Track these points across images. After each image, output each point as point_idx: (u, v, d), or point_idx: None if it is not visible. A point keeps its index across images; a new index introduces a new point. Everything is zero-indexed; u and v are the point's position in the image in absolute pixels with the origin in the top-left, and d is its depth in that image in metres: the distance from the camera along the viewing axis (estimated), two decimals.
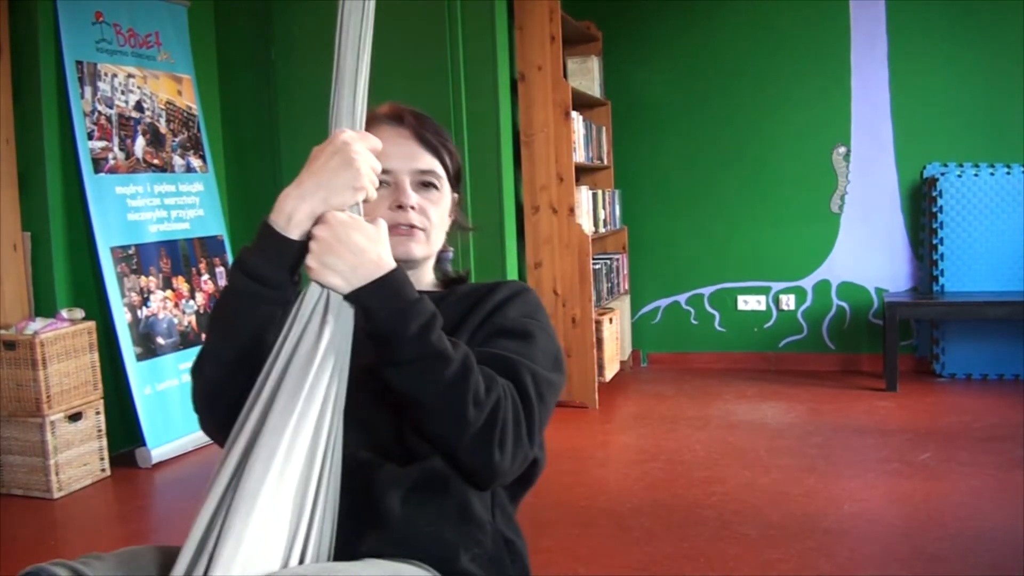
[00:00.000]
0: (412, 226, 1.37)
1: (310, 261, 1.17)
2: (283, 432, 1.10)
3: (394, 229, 1.34)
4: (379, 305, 1.16)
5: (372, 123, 1.39)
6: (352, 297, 1.17)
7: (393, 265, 1.18)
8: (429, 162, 1.41)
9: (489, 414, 1.16)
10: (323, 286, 1.17)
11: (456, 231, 1.50)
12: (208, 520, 1.09)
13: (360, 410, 1.23)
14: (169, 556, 1.15)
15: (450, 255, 1.53)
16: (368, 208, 1.28)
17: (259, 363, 1.17)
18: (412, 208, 1.37)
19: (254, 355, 1.20)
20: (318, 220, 1.18)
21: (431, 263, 1.48)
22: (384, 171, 1.30)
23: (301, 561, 1.11)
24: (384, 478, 1.23)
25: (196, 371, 1.29)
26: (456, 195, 1.49)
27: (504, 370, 1.23)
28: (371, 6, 1.27)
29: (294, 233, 1.19)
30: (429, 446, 1.23)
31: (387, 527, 1.22)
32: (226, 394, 1.24)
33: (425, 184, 1.40)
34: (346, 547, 1.20)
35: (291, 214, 1.19)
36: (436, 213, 1.41)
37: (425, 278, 1.46)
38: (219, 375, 1.25)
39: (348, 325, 1.18)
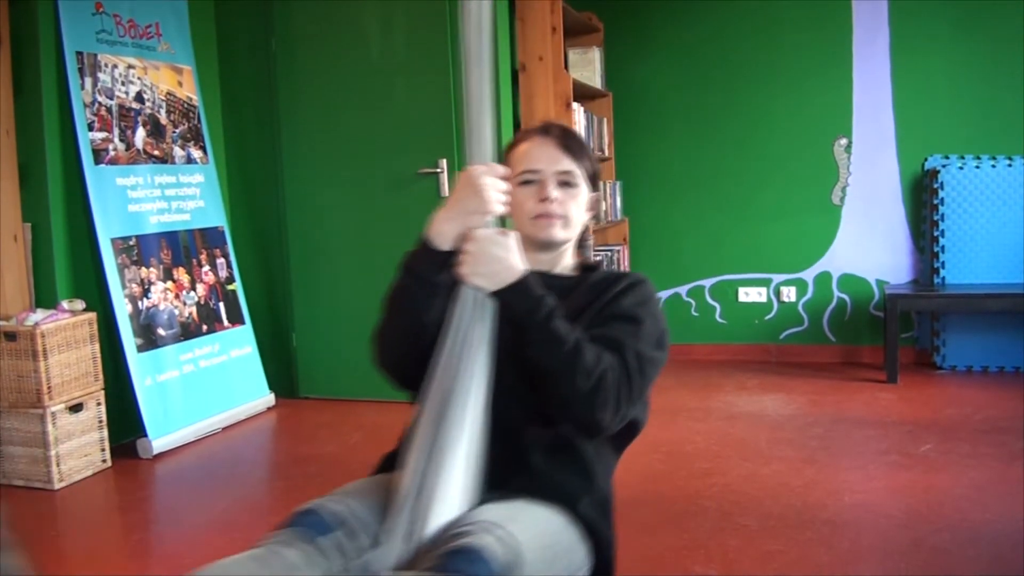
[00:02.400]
0: (552, 214, 1.75)
1: (463, 270, 1.56)
2: (467, 401, 1.50)
3: (539, 218, 1.75)
4: (516, 302, 1.56)
5: (526, 135, 1.83)
6: (495, 295, 1.56)
7: (524, 270, 1.57)
8: (568, 164, 1.78)
9: (596, 382, 1.54)
10: (472, 287, 1.55)
11: (594, 223, 1.82)
12: (422, 465, 1.48)
13: (511, 381, 1.61)
14: (381, 489, 1.59)
15: (591, 240, 1.82)
16: (519, 200, 1.74)
17: (417, 334, 1.61)
18: (553, 200, 1.75)
19: (412, 330, 1.63)
20: (466, 237, 1.56)
21: (571, 247, 1.85)
22: (533, 171, 1.77)
23: (469, 499, 1.50)
24: (529, 437, 1.63)
25: (376, 339, 1.71)
26: (595, 194, 1.86)
27: (613, 348, 1.60)
28: (487, 33, 1.58)
29: (444, 245, 1.59)
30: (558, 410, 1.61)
31: (531, 474, 1.61)
32: (393, 353, 1.70)
33: (565, 183, 1.78)
34: (499, 486, 1.57)
35: (441, 232, 1.59)
36: (574, 206, 1.79)
37: (565, 261, 1.84)
38: (393, 341, 1.69)
39: (493, 317, 1.56)
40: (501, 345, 1.57)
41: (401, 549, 1.44)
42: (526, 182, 1.76)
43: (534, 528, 1.49)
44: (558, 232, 1.77)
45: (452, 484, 1.47)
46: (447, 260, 1.58)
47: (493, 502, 1.53)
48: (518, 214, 1.77)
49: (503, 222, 1.66)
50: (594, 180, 1.84)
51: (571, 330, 1.57)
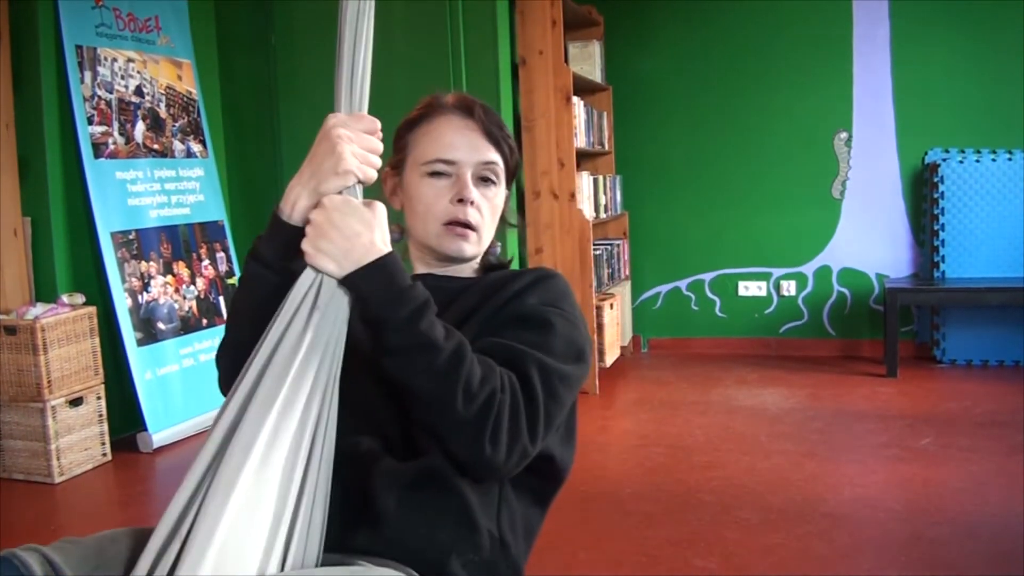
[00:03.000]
0: (468, 225, 1.38)
1: (304, 245, 1.17)
2: (264, 420, 1.08)
3: (451, 226, 1.37)
4: (371, 289, 1.15)
5: (438, 111, 1.42)
6: (345, 282, 1.16)
7: (387, 250, 1.18)
8: (493, 155, 1.41)
9: (481, 407, 1.13)
10: (317, 271, 1.17)
11: (500, 226, 1.48)
12: (180, 511, 1.07)
13: (365, 398, 1.24)
14: (146, 540, 1.11)
15: (497, 249, 1.51)
16: (430, 199, 1.37)
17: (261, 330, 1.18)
18: (472, 203, 1.38)
19: (259, 331, 1.19)
20: (316, 205, 1.19)
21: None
22: (449, 162, 1.37)
23: (283, 561, 1.07)
24: (382, 473, 1.21)
25: (217, 358, 1.35)
26: (507, 193, 1.48)
27: (509, 361, 1.20)
28: None
29: (296, 220, 1.21)
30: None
31: (380, 525, 1.20)
32: (235, 351, 1.27)
33: (485, 178, 1.41)
34: (338, 541, 1.18)
35: (294, 202, 1.21)
36: (490, 211, 1.41)
37: (468, 265, 1.46)
38: (236, 358, 1.22)
39: (343, 311, 1.17)
40: (349, 346, 1.19)
41: None
42: (436, 173, 1.39)
43: None
44: (469, 248, 1.39)
45: (232, 534, 1.03)
46: (298, 233, 1.21)
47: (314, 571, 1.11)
48: (420, 213, 1.40)
49: (369, 193, 1.27)
50: (512, 175, 1.47)
51: (448, 334, 1.16)
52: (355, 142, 1.21)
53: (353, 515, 1.19)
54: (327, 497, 1.14)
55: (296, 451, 1.09)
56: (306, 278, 1.17)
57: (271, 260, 1.24)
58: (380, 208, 1.20)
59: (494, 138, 1.41)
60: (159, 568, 1.03)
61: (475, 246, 1.40)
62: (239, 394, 1.12)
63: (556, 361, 1.23)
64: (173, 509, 1.07)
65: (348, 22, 1.28)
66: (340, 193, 1.20)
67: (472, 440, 1.13)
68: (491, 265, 1.49)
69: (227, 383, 1.31)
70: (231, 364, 1.27)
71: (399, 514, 1.19)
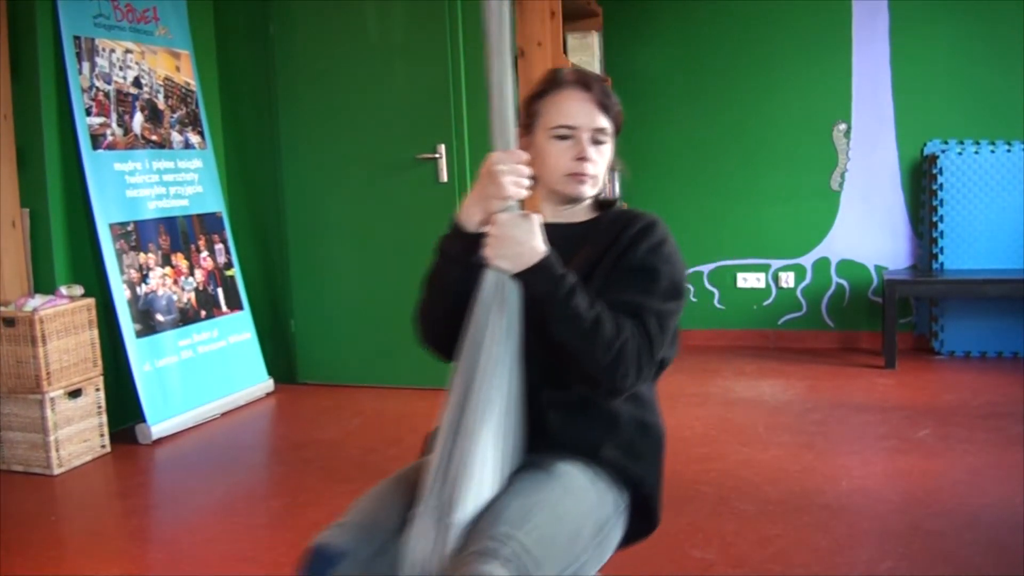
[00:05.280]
0: (586, 174, 1.77)
1: (487, 252, 1.61)
2: (492, 380, 1.54)
3: (573, 176, 1.78)
4: (537, 282, 1.60)
5: (560, 86, 1.81)
6: (518, 276, 1.60)
7: (544, 251, 1.61)
8: (604, 122, 1.80)
9: (616, 354, 1.59)
10: (499, 270, 1.60)
11: (612, 171, 1.89)
12: (441, 456, 1.51)
13: (531, 348, 1.64)
14: (411, 485, 1.60)
15: (607, 189, 1.94)
16: (551, 153, 1.77)
17: (455, 312, 1.66)
18: (589, 160, 1.77)
19: (449, 308, 1.69)
20: (490, 221, 1.62)
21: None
22: (570, 127, 1.77)
23: (508, 470, 1.57)
24: (546, 399, 1.70)
25: (416, 321, 1.80)
26: (614, 144, 1.87)
27: (631, 312, 1.64)
28: (507, 28, 1.64)
29: (472, 228, 1.66)
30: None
31: (548, 435, 1.69)
32: (434, 330, 1.78)
33: (597, 141, 1.79)
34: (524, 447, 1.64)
35: (468, 215, 1.66)
36: (603, 163, 1.82)
37: (585, 206, 1.86)
38: (434, 323, 1.77)
39: (518, 296, 1.61)
40: (523, 317, 1.63)
41: (432, 535, 1.47)
42: (561, 136, 1.78)
43: (550, 522, 1.51)
44: (588, 191, 1.80)
45: (480, 464, 1.50)
46: (476, 241, 1.64)
47: (520, 476, 1.60)
48: (549, 167, 1.78)
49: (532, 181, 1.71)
50: (618, 133, 1.87)
51: (590, 305, 1.61)
52: (511, 173, 1.61)
53: (531, 429, 1.66)
54: (525, 425, 1.64)
55: (510, 396, 1.57)
56: (491, 276, 1.61)
57: (457, 257, 1.68)
58: (536, 218, 1.63)
59: (605, 107, 1.80)
60: (445, 488, 1.49)
61: (592, 188, 1.81)
62: (468, 360, 1.56)
63: (662, 302, 1.68)
64: (442, 447, 1.52)
65: (495, 73, 1.64)
66: (505, 210, 1.63)
67: (610, 377, 1.60)
68: (602, 203, 1.90)
69: (428, 337, 1.80)
70: (430, 327, 1.78)
71: (560, 426, 1.71)
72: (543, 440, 1.68)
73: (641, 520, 1.81)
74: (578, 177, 1.78)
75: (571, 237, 1.78)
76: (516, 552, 1.40)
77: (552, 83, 1.83)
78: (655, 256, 1.72)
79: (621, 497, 1.74)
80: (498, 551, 1.39)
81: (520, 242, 1.60)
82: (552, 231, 1.72)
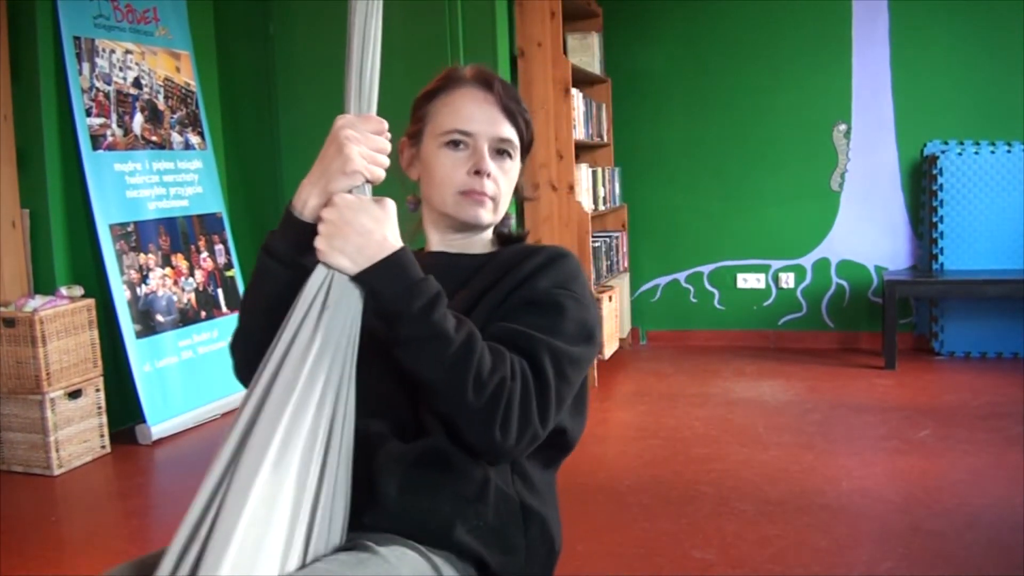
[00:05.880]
0: (484, 194, 1.41)
1: (318, 243, 1.20)
2: (278, 421, 1.11)
3: (468, 194, 1.40)
4: (384, 285, 1.18)
5: (457, 83, 1.46)
6: (359, 278, 1.19)
7: (399, 245, 1.21)
8: (509, 131, 1.44)
9: (491, 395, 1.17)
10: (331, 268, 1.20)
11: (515, 198, 1.53)
12: (199, 513, 1.08)
13: (377, 383, 1.28)
14: (147, 568, 1.14)
15: (511, 221, 1.56)
16: (447, 168, 1.40)
17: (273, 331, 1.21)
18: (488, 176, 1.41)
19: (273, 325, 1.22)
20: (326, 203, 1.22)
21: (490, 228, 1.51)
22: (466, 133, 1.40)
23: (304, 554, 1.11)
24: (386, 455, 1.26)
25: (232, 347, 1.41)
26: (521, 164, 1.51)
27: (520, 347, 1.24)
28: None
29: (308, 217, 1.24)
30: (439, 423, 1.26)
31: (383, 505, 1.24)
32: (249, 359, 1.30)
33: (501, 152, 1.44)
34: (351, 524, 1.21)
35: (305, 199, 1.25)
36: (507, 183, 1.45)
37: (484, 238, 1.49)
38: (250, 348, 1.32)
39: (355, 307, 1.20)
40: (363, 335, 1.22)
41: None
42: (454, 143, 1.41)
43: None
44: (486, 215, 1.42)
45: (251, 526, 1.06)
46: (310, 234, 1.23)
47: (329, 556, 1.15)
48: (437, 182, 1.42)
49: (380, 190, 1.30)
50: (527, 149, 1.50)
51: (459, 325, 1.20)
52: (363, 143, 1.24)
53: (360, 495, 1.22)
54: (348, 488, 1.18)
55: (311, 447, 1.12)
56: (317, 276, 1.20)
57: (283, 255, 1.27)
58: (390, 204, 1.24)
59: (510, 112, 1.44)
60: (180, 570, 1.05)
61: (491, 214, 1.43)
62: (255, 395, 1.14)
63: (567, 344, 1.27)
64: (193, 511, 1.09)
65: (357, 23, 1.31)
66: (350, 192, 1.23)
67: (483, 428, 1.18)
68: (505, 237, 1.52)
69: (241, 371, 1.39)
70: (244, 354, 1.36)
71: (401, 494, 1.24)
72: (375, 516, 1.25)
73: None
74: (473, 196, 1.40)
75: (461, 269, 1.41)
76: None
77: (446, 80, 1.48)
78: (562, 291, 1.32)
79: None
80: None
81: (365, 231, 1.19)
82: (435, 260, 1.41)
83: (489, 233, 1.50)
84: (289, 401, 1.12)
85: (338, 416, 1.16)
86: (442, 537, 1.24)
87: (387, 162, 1.27)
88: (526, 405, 1.20)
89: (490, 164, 1.41)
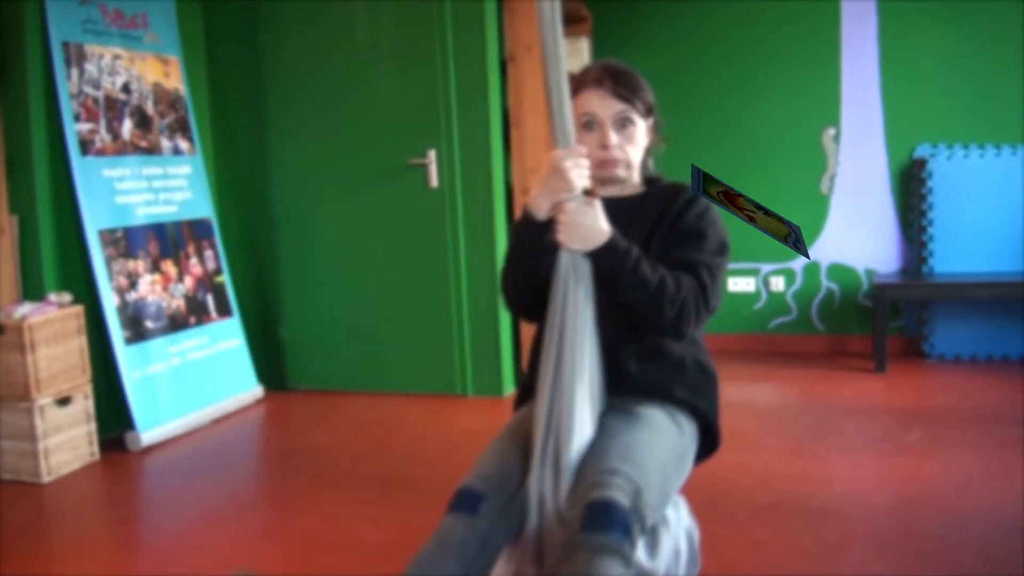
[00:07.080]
0: (613, 160, 2.04)
1: (560, 238, 1.87)
2: (577, 345, 1.83)
3: (601, 164, 2.02)
4: (605, 258, 1.88)
5: (582, 86, 2.05)
6: (589, 255, 1.88)
7: (609, 232, 1.88)
8: (621, 107, 2.03)
9: (680, 307, 1.90)
10: (571, 251, 1.87)
11: (654, 145, 2.20)
12: (546, 416, 1.80)
13: (609, 313, 1.94)
14: (522, 439, 1.88)
15: (651, 164, 2.24)
16: (586, 143, 1.97)
17: (532, 283, 1.97)
18: (612, 147, 2.03)
19: (527, 280, 1.99)
20: (559, 208, 1.88)
21: (637, 172, 2.14)
22: (591, 114, 2.03)
23: (594, 417, 1.85)
24: (626, 350, 2.00)
25: (503, 287, 2.09)
26: (651, 120, 2.13)
27: (688, 269, 1.95)
28: (559, 30, 1.84)
29: (541, 216, 1.91)
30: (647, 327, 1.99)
31: (630, 381, 1.99)
32: (518, 300, 2.09)
33: (622, 122, 2.04)
34: (608, 394, 1.91)
35: (537, 206, 1.91)
36: (631, 146, 2.06)
37: (632, 182, 2.14)
38: (520, 291, 2.06)
39: (589, 271, 1.89)
40: (598, 287, 1.90)
41: (550, 477, 1.76)
42: (587, 124, 2.03)
43: (646, 455, 1.80)
44: (620, 173, 2.07)
45: (578, 413, 1.79)
46: (546, 227, 1.90)
47: (611, 421, 1.87)
48: (588, 155, 1.95)
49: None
50: (649, 111, 2.11)
51: (653, 270, 1.90)
52: (575, 168, 1.85)
53: (614, 377, 1.94)
54: (604, 374, 1.91)
55: (591, 356, 1.86)
56: (565, 256, 1.88)
57: (530, 240, 1.93)
58: (598, 204, 1.88)
59: (622, 96, 2.04)
60: (547, 452, 1.78)
61: (625, 170, 2.08)
62: (556, 327, 1.85)
63: (711, 257, 2.01)
64: (546, 400, 1.81)
65: (551, 71, 1.85)
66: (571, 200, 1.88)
67: (676, 325, 1.92)
68: (649, 178, 2.19)
69: (512, 305, 2.12)
70: (513, 297, 2.08)
71: (639, 372, 2.00)
72: (624, 385, 1.97)
73: (707, 444, 2.13)
74: (607, 165, 2.03)
75: (625, 208, 2.04)
76: (626, 481, 1.69)
77: (579, 80, 2.07)
78: (702, 221, 2.05)
79: (692, 428, 2.04)
80: (611, 481, 1.68)
81: (588, 227, 1.86)
82: (607, 205, 1.95)
83: (636, 176, 2.13)
84: (576, 335, 1.83)
85: (594, 335, 1.87)
86: (667, 395, 2.00)
87: (588, 173, 1.88)
88: (698, 305, 1.93)
89: (612, 137, 2.03)
